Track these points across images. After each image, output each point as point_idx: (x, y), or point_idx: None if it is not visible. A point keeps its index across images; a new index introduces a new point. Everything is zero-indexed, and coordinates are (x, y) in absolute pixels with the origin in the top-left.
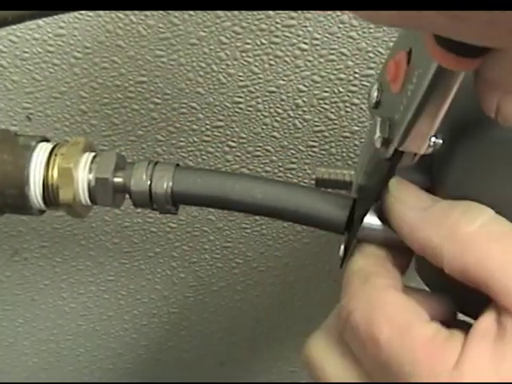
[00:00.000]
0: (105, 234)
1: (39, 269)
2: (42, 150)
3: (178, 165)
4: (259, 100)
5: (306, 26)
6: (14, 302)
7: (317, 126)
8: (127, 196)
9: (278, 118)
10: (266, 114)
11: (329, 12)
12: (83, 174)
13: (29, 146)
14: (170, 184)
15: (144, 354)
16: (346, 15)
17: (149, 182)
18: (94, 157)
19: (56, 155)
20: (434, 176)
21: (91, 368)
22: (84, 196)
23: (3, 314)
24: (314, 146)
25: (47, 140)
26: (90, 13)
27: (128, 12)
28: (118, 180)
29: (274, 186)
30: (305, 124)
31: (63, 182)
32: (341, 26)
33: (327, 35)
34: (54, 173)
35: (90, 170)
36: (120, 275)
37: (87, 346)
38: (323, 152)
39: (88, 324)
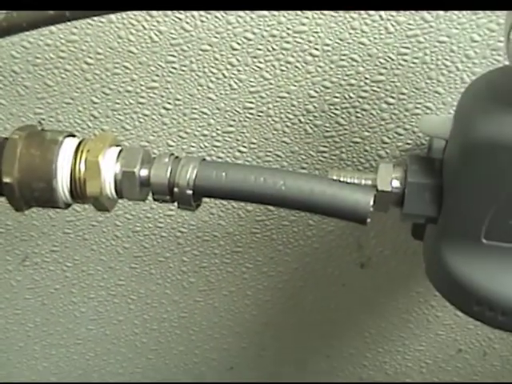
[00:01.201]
0: (115, 238)
1: (50, 273)
2: (69, 145)
3: (203, 159)
4: (270, 105)
5: (316, 32)
6: (25, 307)
7: (327, 131)
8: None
9: (289, 124)
10: (276, 119)
11: (340, 18)
12: (110, 168)
13: (56, 140)
14: (193, 176)
15: (154, 358)
16: (357, 21)
17: (169, 174)
18: (120, 151)
19: (83, 150)
20: (446, 179)
21: (101, 372)
22: (110, 189)
23: (14, 318)
24: (325, 152)
25: (73, 135)
26: (102, 19)
27: (140, 18)
28: (143, 173)
29: (297, 178)
30: (315, 129)
31: (90, 175)
32: (352, 31)
33: (338, 41)
34: (81, 166)
35: (117, 164)
36: (130, 280)
37: (97, 351)
38: (333, 157)
39: (98, 328)
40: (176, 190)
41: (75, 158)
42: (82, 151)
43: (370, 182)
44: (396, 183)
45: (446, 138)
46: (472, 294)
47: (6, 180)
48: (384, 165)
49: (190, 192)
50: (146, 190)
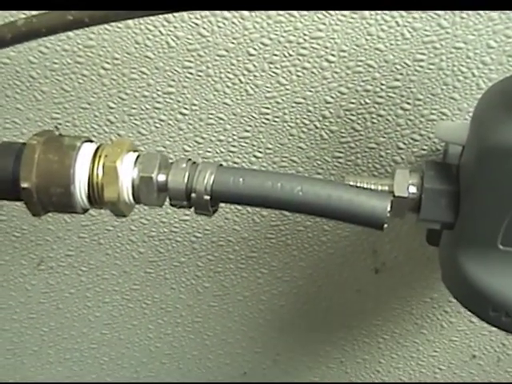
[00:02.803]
0: (131, 243)
1: (65, 278)
2: (87, 150)
3: (220, 165)
4: (286, 111)
5: (333, 38)
6: (39, 311)
7: (343, 137)
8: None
9: (305, 129)
10: (292, 124)
11: (356, 24)
12: (128, 173)
13: (74, 145)
14: (211, 182)
15: (168, 362)
16: (374, 27)
17: (187, 179)
18: (138, 156)
19: (100, 155)
20: (462, 185)
21: (114, 376)
22: (128, 194)
23: (28, 322)
24: (340, 157)
25: (91, 140)
26: (120, 24)
27: (157, 24)
28: (161, 179)
29: (314, 184)
30: (331, 135)
31: (108, 180)
32: (368, 38)
33: (354, 47)
34: (99, 171)
35: (134, 169)
36: (145, 284)
37: (111, 355)
38: (349, 163)
39: (112, 333)
40: (193, 195)
41: (93, 164)
42: (99, 156)
43: (386, 188)
44: (413, 189)
45: (462, 143)
46: (488, 299)
47: (25, 185)
48: (400, 170)
49: (207, 197)
50: (164, 195)
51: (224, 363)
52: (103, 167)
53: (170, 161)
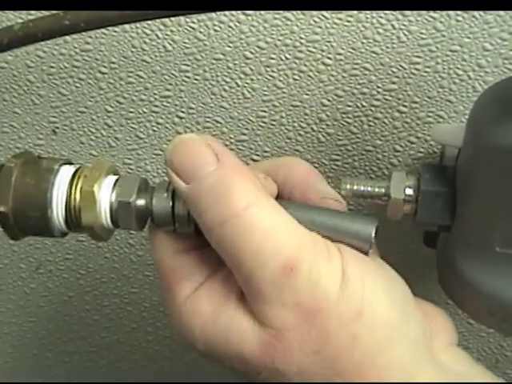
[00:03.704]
0: (129, 246)
1: (63, 281)
2: (64, 173)
3: None
4: (283, 114)
5: (329, 42)
6: (38, 314)
7: (340, 139)
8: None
9: (302, 132)
10: (289, 128)
11: (352, 28)
12: (106, 197)
13: (51, 169)
14: None
15: (167, 365)
16: (370, 31)
17: (171, 203)
18: (117, 180)
19: (79, 178)
20: (459, 187)
21: (114, 379)
22: (106, 219)
23: (27, 325)
24: (337, 160)
25: (70, 163)
26: (117, 28)
27: (154, 28)
28: (140, 203)
29: (297, 209)
30: (328, 138)
31: (86, 204)
32: (364, 41)
33: (351, 50)
34: (77, 196)
35: (113, 193)
36: (144, 287)
37: (110, 358)
38: (346, 165)
39: (111, 336)
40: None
41: (71, 187)
42: (78, 179)
43: (383, 190)
44: (409, 191)
45: (458, 146)
46: (485, 302)
47: (1, 209)
48: (397, 173)
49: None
50: (143, 219)
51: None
52: (81, 191)
53: (151, 185)
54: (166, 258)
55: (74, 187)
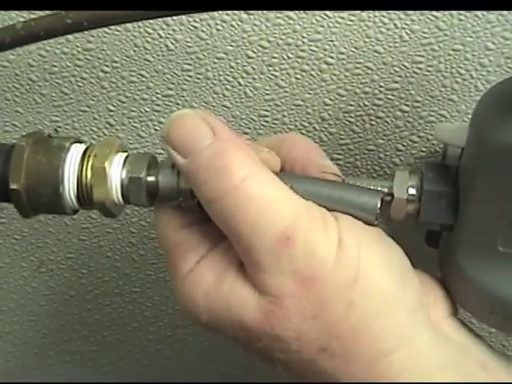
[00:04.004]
0: (131, 245)
1: (65, 280)
2: (75, 151)
3: None
4: (285, 113)
5: (332, 41)
6: (40, 313)
7: (342, 139)
8: None
9: (304, 131)
10: (291, 127)
11: (355, 27)
12: (116, 173)
13: (63, 146)
14: None
15: (168, 364)
16: (372, 30)
17: (176, 178)
18: (127, 157)
19: (89, 155)
20: (462, 187)
21: (116, 378)
22: (117, 195)
23: (29, 324)
24: (339, 159)
25: (80, 141)
26: (119, 27)
27: (156, 27)
28: (150, 179)
29: (304, 181)
30: (330, 137)
31: (97, 181)
32: (367, 40)
33: (353, 49)
34: (88, 172)
35: (123, 170)
36: (145, 286)
37: (111, 357)
38: (348, 164)
39: (113, 335)
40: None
41: (82, 164)
42: (88, 157)
43: (385, 190)
44: (412, 191)
45: (461, 145)
46: (487, 301)
47: (14, 186)
48: (400, 172)
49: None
50: (153, 195)
51: (224, 365)
52: (92, 168)
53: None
54: (169, 233)
55: (85, 164)
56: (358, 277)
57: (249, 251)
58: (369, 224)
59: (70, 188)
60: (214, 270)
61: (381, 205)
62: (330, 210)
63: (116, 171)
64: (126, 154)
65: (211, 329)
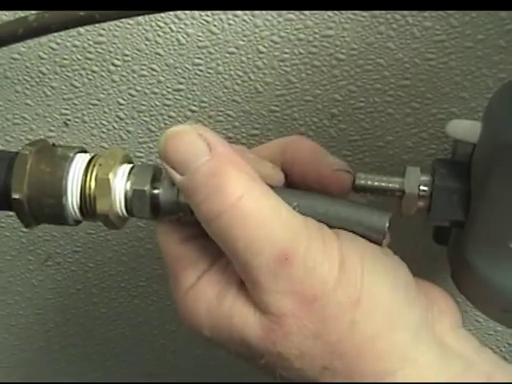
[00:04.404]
0: (138, 239)
1: (72, 274)
2: (79, 161)
3: None
4: (295, 109)
5: (343, 37)
6: (46, 306)
7: (351, 135)
8: None
9: (314, 127)
10: (301, 122)
11: (366, 23)
12: (120, 185)
13: (67, 156)
14: None
15: (172, 359)
16: (384, 26)
17: (176, 192)
18: (132, 168)
19: (94, 166)
20: (473, 183)
21: (120, 373)
22: (121, 207)
23: (34, 317)
24: (349, 155)
25: (85, 151)
26: (130, 21)
27: (168, 21)
28: (154, 192)
29: (312, 199)
30: (340, 133)
31: (100, 192)
32: (378, 36)
33: (364, 45)
34: (92, 183)
35: (128, 182)
36: (152, 281)
37: (116, 351)
38: (357, 161)
39: (118, 329)
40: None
41: (85, 175)
42: (92, 168)
43: (397, 186)
44: (423, 187)
45: (474, 142)
46: (498, 298)
47: (15, 196)
48: (411, 168)
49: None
50: (158, 208)
51: (229, 361)
52: (96, 179)
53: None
54: (171, 247)
55: (88, 175)
56: (361, 297)
57: (247, 270)
58: (375, 243)
59: (73, 199)
60: (216, 286)
61: (389, 225)
62: (336, 228)
63: (120, 183)
64: (130, 165)
65: (214, 343)
